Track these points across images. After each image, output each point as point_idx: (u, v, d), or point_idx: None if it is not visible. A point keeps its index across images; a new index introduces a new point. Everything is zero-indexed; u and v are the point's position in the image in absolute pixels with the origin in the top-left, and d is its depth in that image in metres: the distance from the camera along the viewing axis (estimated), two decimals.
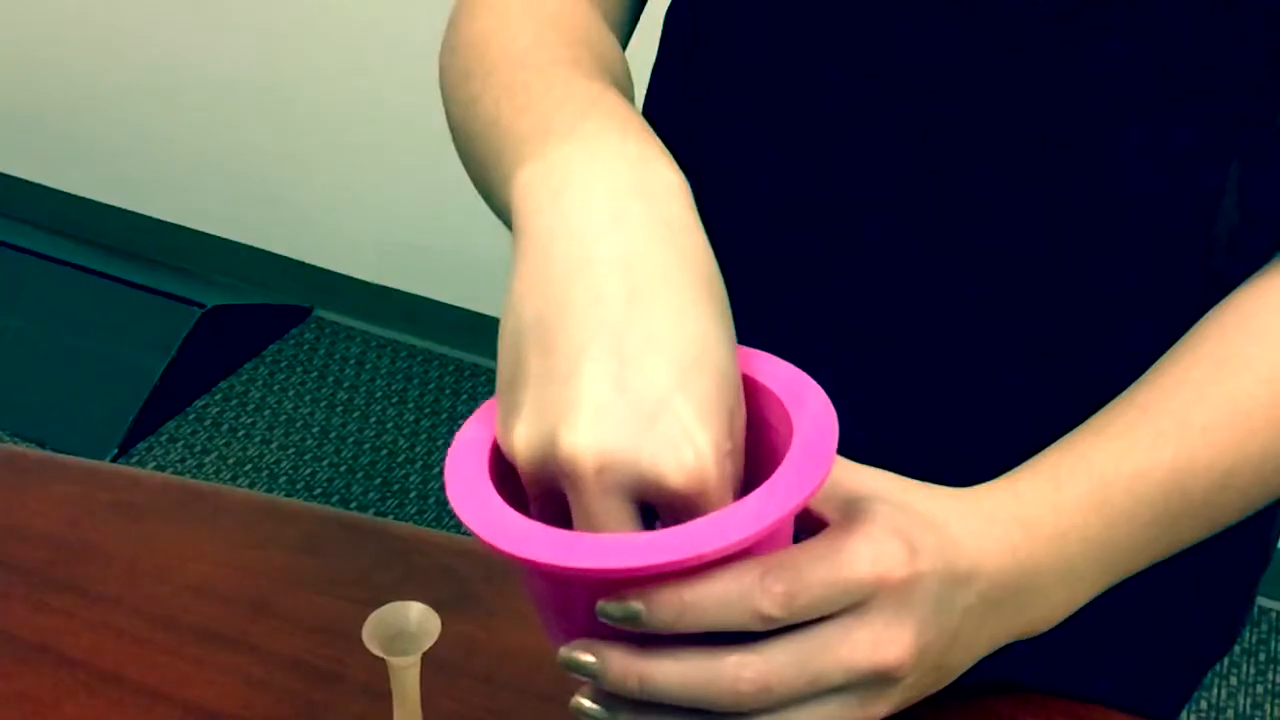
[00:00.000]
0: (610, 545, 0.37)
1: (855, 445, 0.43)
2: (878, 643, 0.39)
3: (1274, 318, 0.50)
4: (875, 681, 0.40)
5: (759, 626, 0.38)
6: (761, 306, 0.63)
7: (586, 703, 0.40)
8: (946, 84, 0.55)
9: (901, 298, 0.61)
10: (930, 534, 0.41)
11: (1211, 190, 0.55)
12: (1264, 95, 0.52)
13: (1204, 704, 1.62)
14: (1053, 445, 0.47)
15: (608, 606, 0.38)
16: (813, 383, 0.42)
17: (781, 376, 0.42)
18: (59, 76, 2.31)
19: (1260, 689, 1.64)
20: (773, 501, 0.38)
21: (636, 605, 0.38)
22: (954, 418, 0.63)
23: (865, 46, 0.56)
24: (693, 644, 0.38)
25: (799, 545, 0.39)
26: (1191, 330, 0.51)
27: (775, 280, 0.63)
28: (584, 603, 0.39)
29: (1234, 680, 1.65)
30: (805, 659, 0.38)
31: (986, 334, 0.60)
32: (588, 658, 0.39)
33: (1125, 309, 0.58)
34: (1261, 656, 1.68)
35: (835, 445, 0.39)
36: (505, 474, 0.42)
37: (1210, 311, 0.51)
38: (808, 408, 0.41)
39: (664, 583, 0.37)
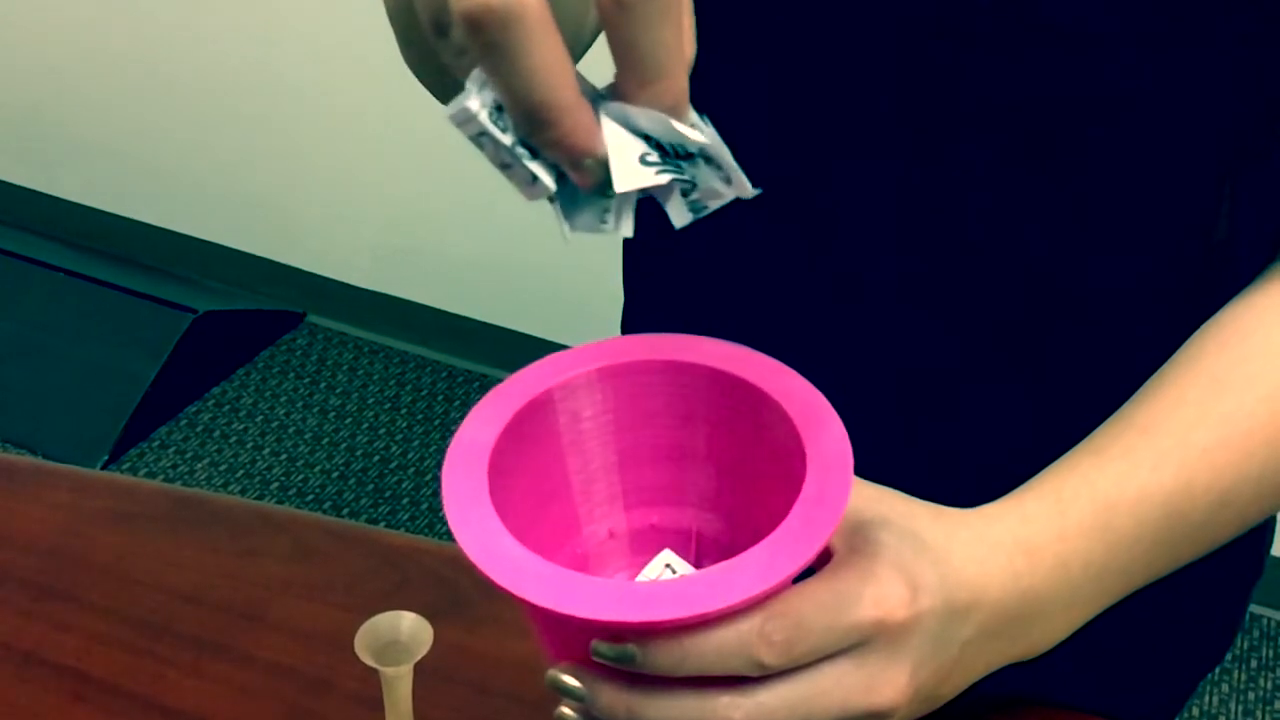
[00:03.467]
0: (610, 593, 0.36)
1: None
2: (872, 686, 0.39)
3: (1269, 333, 0.50)
4: None
5: (756, 673, 0.38)
6: (749, 299, 0.63)
7: (571, 714, 0.40)
8: (946, 84, 0.55)
9: (891, 299, 0.61)
10: (934, 568, 0.41)
11: (1206, 204, 0.55)
12: (1256, 112, 0.52)
13: (1195, 710, 1.62)
14: (1053, 465, 0.47)
15: (602, 648, 0.38)
16: (830, 409, 0.41)
17: (797, 394, 0.42)
18: (51, 81, 2.31)
19: (1251, 695, 1.65)
20: (780, 559, 0.37)
21: (633, 650, 0.37)
22: (945, 426, 0.63)
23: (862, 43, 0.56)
24: (685, 679, 0.38)
25: (799, 588, 0.39)
26: (1186, 345, 0.51)
27: (761, 271, 0.63)
28: (578, 635, 0.38)
29: (1225, 687, 1.66)
30: (797, 703, 0.38)
31: (977, 337, 0.60)
32: (576, 684, 0.39)
33: (1119, 319, 0.58)
34: (1253, 663, 1.69)
35: (849, 489, 0.39)
36: (507, 475, 0.41)
37: (1204, 326, 0.51)
38: (823, 438, 0.40)
39: (662, 632, 0.37)
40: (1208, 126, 0.53)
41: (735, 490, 0.45)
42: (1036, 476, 0.47)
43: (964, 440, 0.62)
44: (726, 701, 0.38)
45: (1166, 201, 0.55)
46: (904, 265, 0.59)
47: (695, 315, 0.67)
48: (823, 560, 0.41)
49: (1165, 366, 0.50)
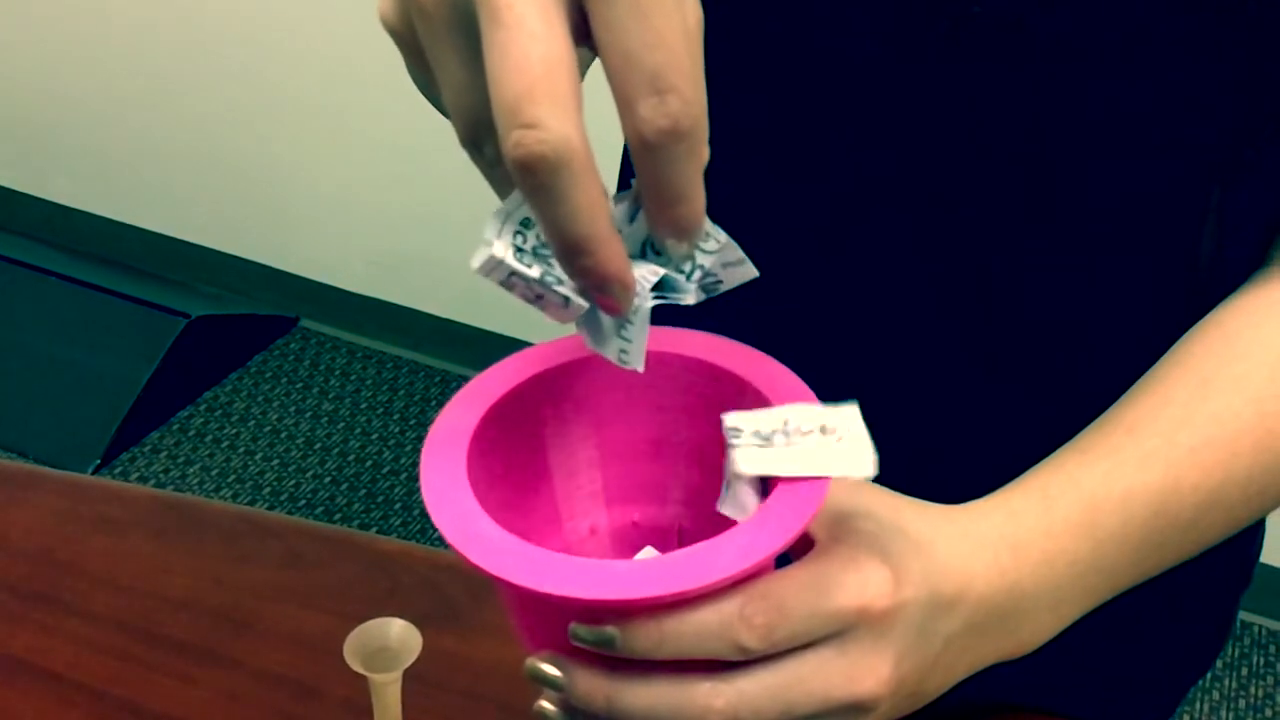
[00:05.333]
0: (589, 572, 0.36)
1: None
2: (854, 675, 0.39)
3: (1257, 336, 0.50)
4: (849, 711, 0.39)
5: (737, 657, 0.37)
6: (750, 314, 0.63)
7: (550, 707, 0.40)
8: (936, 108, 0.55)
9: (885, 311, 0.61)
10: (917, 559, 0.41)
11: (1194, 213, 0.55)
12: (1243, 122, 0.52)
13: (1186, 718, 1.62)
14: (1039, 464, 0.47)
15: (580, 630, 0.37)
16: (813, 396, 0.41)
17: (782, 385, 0.42)
18: (44, 85, 2.31)
19: (1242, 703, 1.65)
20: (762, 537, 0.37)
21: (611, 632, 0.37)
22: (936, 432, 0.63)
23: (852, 71, 0.56)
24: (664, 666, 0.38)
25: (781, 573, 0.39)
26: (1174, 348, 0.51)
27: (766, 289, 0.63)
28: (556, 619, 0.38)
29: (1216, 695, 1.66)
30: (779, 690, 0.38)
31: (969, 349, 0.60)
32: (554, 672, 0.39)
33: (1107, 332, 0.58)
34: (1244, 671, 1.69)
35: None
36: (487, 466, 0.41)
37: (1192, 329, 0.51)
38: None
39: (641, 612, 0.37)
40: (1196, 139, 0.53)
41: (718, 485, 0.44)
42: (1023, 475, 0.47)
43: (956, 447, 0.63)
44: (707, 689, 0.38)
45: (1155, 214, 0.55)
46: (900, 278, 0.60)
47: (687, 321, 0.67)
48: (805, 550, 0.41)
49: (1153, 368, 0.50)
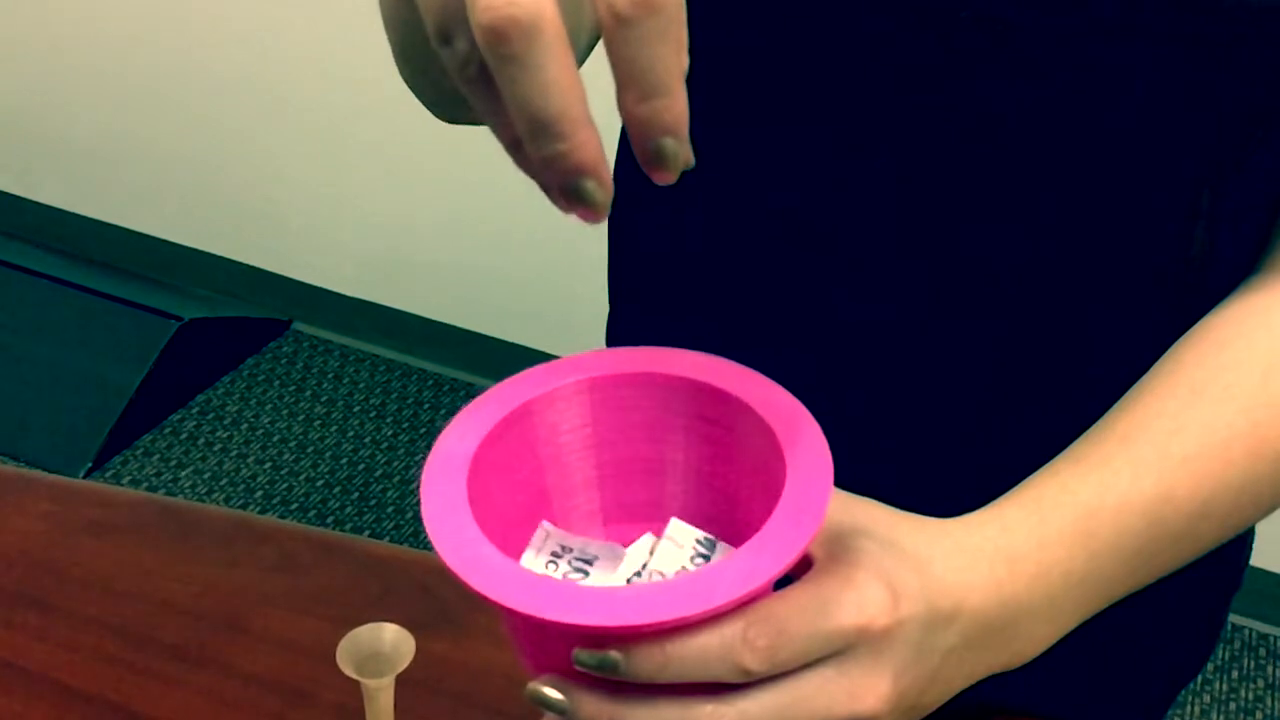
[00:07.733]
0: (591, 598, 0.36)
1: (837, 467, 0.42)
2: (855, 694, 0.39)
3: (1248, 344, 0.50)
4: None
5: (739, 679, 0.38)
6: (743, 317, 0.63)
7: None
8: (927, 111, 0.55)
9: (876, 313, 0.61)
10: (915, 576, 0.41)
11: (1186, 213, 0.55)
12: (1236, 122, 0.53)
13: None
14: (1033, 475, 0.47)
15: (583, 656, 0.37)
16: (809, 417, 0.41)
17: (776, 403, 0.42)
18: (35, 86, 2.31)
19: (1233, 705, 1.65)
20: (762, 561, 0.37)
21: (615, 657, 0.37)
22: (929, 436, 0.63)
23: (854, 59, 0.56)
24: (667, 688, 0.38)
25: (781, 594, 0.39)
26: (1165, 356, 0.51)
27: (758, 286, 0.63)
28: (559, 644, 0.38)
29: (1207, 698, 1.66)
30: (781, 711, 0.38)
31: (960, 353, 0.60)
32: (557, 696, 0.39)
33: (1101, 325, 0.58)
34: (1234, 673, 1.69)
35: (829, 496, 0.39)
36: (486, 489, 0.41)
37: (1184, 337, 0.52)
38: (802, 446, 0.40)
39: (644, 638, 0.37)
40: (1188, 139, 0.53)
41: (715, 504, 0.45)
42: (1017, 486, 0.47)
43: (949, 451, 0.63)
44: (710, 710, 0.38)
45: (1147, 214, 0.55)
46: (892, 279, 0.60)
47: (681, 324, 0.67)
48: (803, 569, 0.41)
49: (1145, 377, 0.50)
